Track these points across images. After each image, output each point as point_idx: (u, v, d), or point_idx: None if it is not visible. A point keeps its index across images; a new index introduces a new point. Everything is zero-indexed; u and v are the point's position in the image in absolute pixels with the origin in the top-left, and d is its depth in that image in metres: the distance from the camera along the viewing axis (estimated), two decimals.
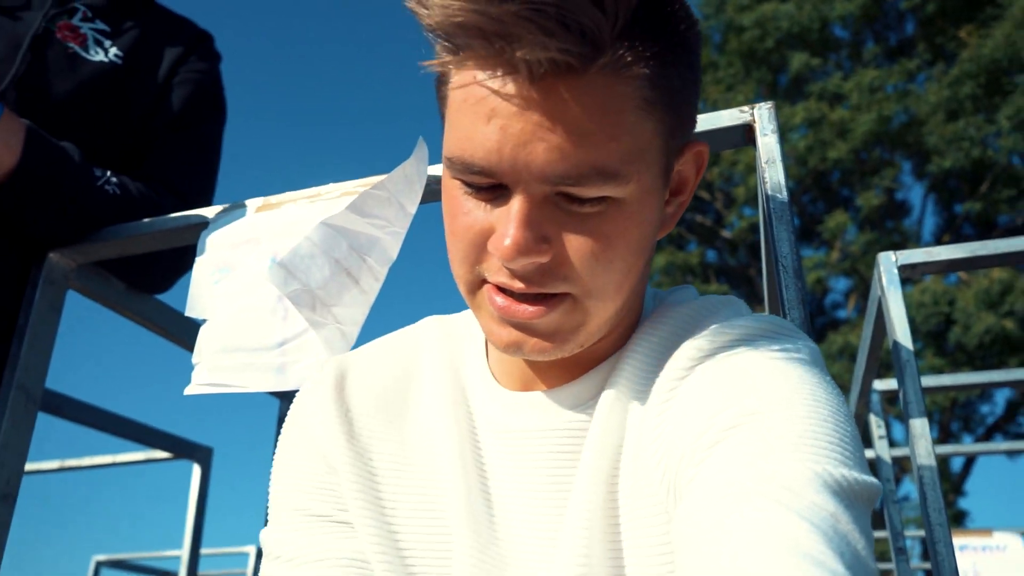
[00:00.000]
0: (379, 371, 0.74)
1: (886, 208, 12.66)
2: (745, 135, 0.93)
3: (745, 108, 0.93)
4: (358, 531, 0.66)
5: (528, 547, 0.63)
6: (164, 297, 1.36)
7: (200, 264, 1.08)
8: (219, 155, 1.39)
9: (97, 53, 1.26)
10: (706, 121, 0.94)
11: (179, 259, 1.28)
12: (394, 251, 0.99)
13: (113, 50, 1.28)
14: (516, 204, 0.57)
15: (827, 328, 13.46)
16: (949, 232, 13.26)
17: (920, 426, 1.18)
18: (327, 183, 1.11)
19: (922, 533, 3.63)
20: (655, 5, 0.56)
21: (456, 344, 0.75)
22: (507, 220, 0.57)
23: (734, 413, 0.53)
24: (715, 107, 12.69)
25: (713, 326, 0.63)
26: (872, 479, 0.50)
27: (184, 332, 1.37)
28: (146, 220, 1.16)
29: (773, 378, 0.55)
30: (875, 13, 12.76)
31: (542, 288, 0.58)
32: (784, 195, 0.89)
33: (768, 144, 0.91)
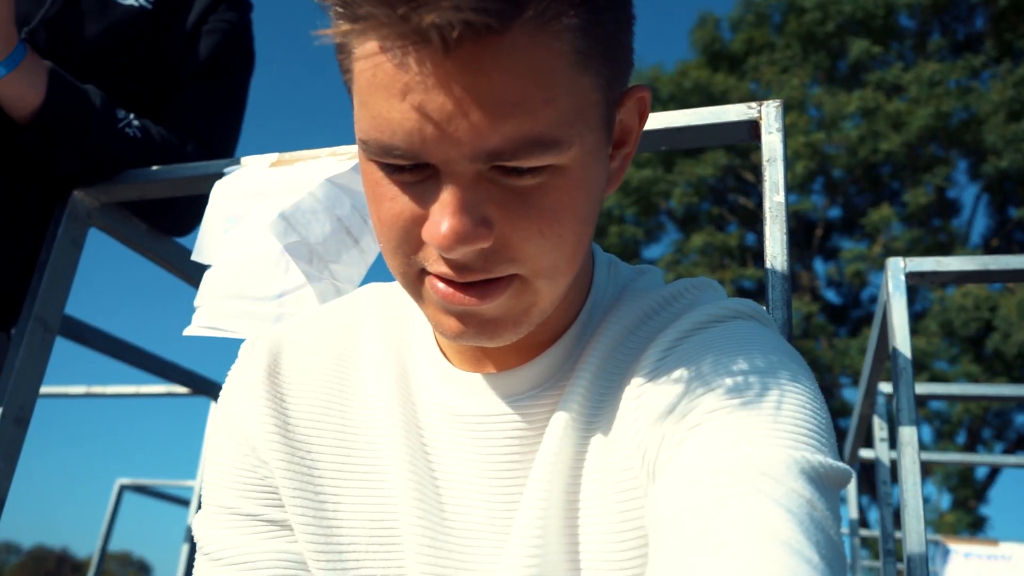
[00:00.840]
0: (316, 349, 0.70)
1: (935, 206, 12.38)
2: (751, 131, 0.93)
3: (753, 104, 0.93)
4: (295, 528, 0.62)
5: (482, 539, 0.60)
6: (184, 240, 1.40)
7: (211, 212, 1.11)
8: (244, 105, 1.41)
9: None
10: (713, 115, 0.94)
11: (198, 205, 1.31)
12: None
13: None
14: (448, 188, 0.51)
15: (863, 322, 13.28)
16: (999, 236, 12.95)
17: (909, 434, 1.19)
18: (346, 144, 1.13)
19: (935, 536, 3.62)
20: None
21: (400, 316, 0.70)
22: (441, 206, 0.51)
23: (714, 397, 0.53)
24: (768, 88, 12.53)
25: (691, 309, 0.62)
26: (843, 465, 0.51)
27: (198, 273, 1.41)
28: (166, 166, 1.19)
29: (752, 363, 0.55)
30: (944, 4, 12.37)
31: (488, 274, 0.53)
32: (781, 195, 0.89)
33: (772, 142, 0.91)
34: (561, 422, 0.59)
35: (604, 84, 0.53)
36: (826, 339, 12.40)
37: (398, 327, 0.69)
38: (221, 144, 1.34)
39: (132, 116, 1.23)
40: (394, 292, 0.73)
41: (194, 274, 1.41)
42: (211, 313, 1.04)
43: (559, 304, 0.62)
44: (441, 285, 0.54)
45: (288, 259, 0.99)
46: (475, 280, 0.54)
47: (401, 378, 0.66)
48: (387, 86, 0.48)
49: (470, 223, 0.50)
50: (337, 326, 0.71)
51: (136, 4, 1.28)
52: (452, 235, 0.50)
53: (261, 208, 1.04)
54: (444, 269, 0.53)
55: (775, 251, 0.88)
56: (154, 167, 1.21)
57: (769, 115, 0.92)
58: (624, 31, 0.54)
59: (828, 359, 11.74)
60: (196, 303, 1.06)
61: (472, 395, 0.63)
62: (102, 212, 1.26)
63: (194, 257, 1.09)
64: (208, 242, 1.08)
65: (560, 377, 0.63)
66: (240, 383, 0.68)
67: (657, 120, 0.96)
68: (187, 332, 1.05)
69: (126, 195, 1.23)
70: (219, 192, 1.11)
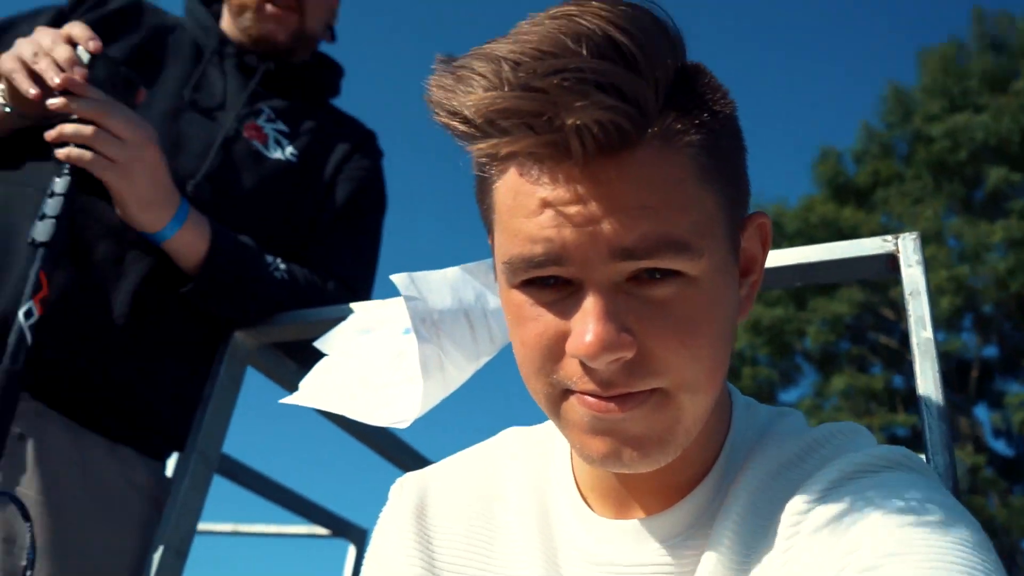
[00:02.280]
0: (460, 492, 0.72)
1: None
2: (888, 265, 0.92)
3: (888, 237, 0.93)
4: None
5: None
6: None
7: (346, 323, 1.18)
8: (379, 244, 1.51)
9: (276, 151, 1.42)
10: (847, 249, 0.94)
11: None
12: None
13: (290, 149, 1.44)
14: (590, 297, 0.53)
15: None
16: None
17: None
18: None
19: None
20: (692, 75, 0.56)
21: (540, 460, 0.72)
22: (584, 316, 0.53)
23: (871, 553, 0.50)
24: (900, 220, 12.17)
25: (839, 456, 0.60)
26: None
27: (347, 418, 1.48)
28: (314, 309, 1.29)
29: (909, 515, 0.52)
30: None
31: (631, 387, 0.54)
32: (929, 330, 0.87)
33: (912, 275, 0.89)
34: (709, 568, 0.58)
35: (727, 203, 0.56)
36: (998, 496, 11.33)
37: (540, 472, 0.71)
38: (359, 282, 1.43)
39: (279, 260, 1.34)
40: (536, 436, 0.74)
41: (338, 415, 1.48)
42: (312, 387, 1.09)
43: (698, 441, 0.61)
44: (589, 398, 0.55)
45: (403, 360, 1.03)
46: (619, 393, 0.54)
47: (543, 525, 0.67)
48: (527, 204, 0.53)
49: (614, 330, 0.52)
50: (480, 469, 0.74)
51: (283, 158, 1.42)
52: (597, 342, 0.52)
53: (392, 325, 1.11)
54: (589, 386, 0.54)
55: (928, 390, 0.84)
56: (302, 310, 1.30)
57: (907, 247, 0.91)
58: (740, 156, 0.59)
59: (1003, 519, 10.66)
60: (302, 382, 1.12)
61: (616, 543, 0.63)
62: (259, 352, 1.35)
63: (316, 344, 1.16)
64: (334, 337, 1.16)
65: (703, 523, 0.61)
66: (389, 523, 0.72)
67: (790, 256, 0.96)
68: (284, 401, 1.11)
69: (279, 336, 1.33)
70: (361, 311, 1.20)
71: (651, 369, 0.54)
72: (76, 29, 1.19)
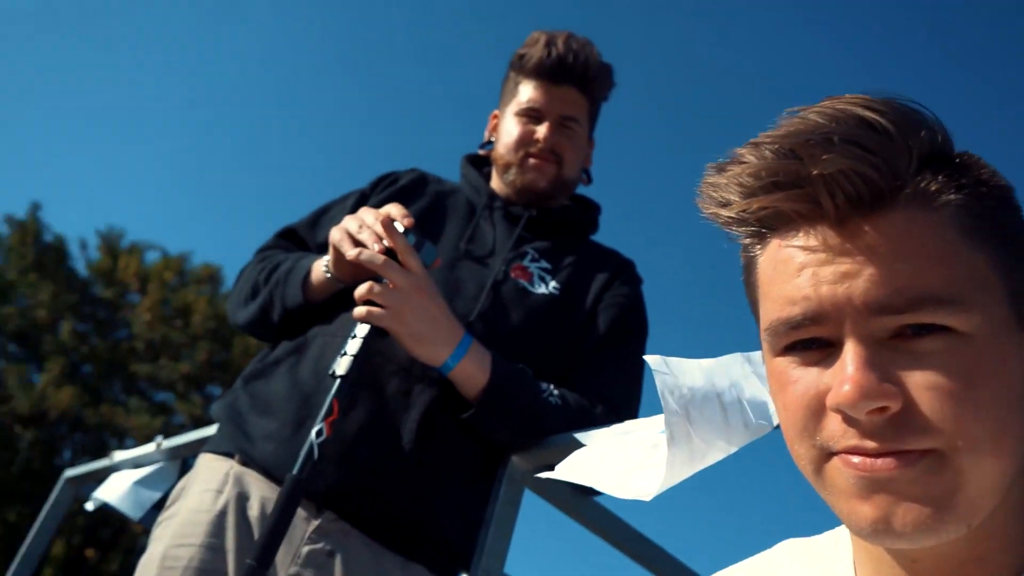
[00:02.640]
0: None
1: None
2: None
3: None
4: None
5: None
6: (605, 501, 1.51)
7: (611, 427, 1.24)
8: (642, 367, 1.55)
9: (540, 287, 1.54)
10: None
11: None
12: (776, 421, 1.00)
13: (553, 284, 1.55)
14: (850, 349, 0.53)
15: None
16: None
17: None
18: None
19: None
20: (953, 152, 0.57)
21: (821, 570, 0.68)
22: (842, 365, 0.53)
23: None
24: None
25: None
26: None
27: (624, 538, 1.49)
28: (585, 432, 1.34)
29: None
30: None
31: (899, 444, 0.52)
32: None
33: None
34: None
35: (1003, 265, 0.55)
36: None
37: None
38: (625, 405, 1.48)
39: (552, 387, 1.42)
40: (816, 547, 0.71)
41: (615, 536, 1.50)
42: (569, 465, 1.14)
43: (1001, 532, 0.55)
44: (853, 458, 0.53)
45: (657, 450, 1.03)
46: (887, 451, 0.52)
47: None
48: (786, 270, 0.56)
49: (875, 378, 0.52)
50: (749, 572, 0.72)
51: (547, 292, 1.53)
52: (856, 388, 0.51)
53: (652, 428, 1.13)
54: (853, 442, 0.53)
55: None
56: (574, 433, 1.36)
57: None
58: (1014, 218, 0.57)
59: None
60: (559, 465, 1.17)
61: None
62: (534, 474, 1.43)
63: (575, 435, 1.22)
64: (598, 436, 1.22)
65: None
66: None
67: None
68: (539, 476, 1.17)
69: (553, 458, 1.39)
70: (623, 424, 1.24)
71: (920, 425, 0.52)
72: (394, 209, 1.41)
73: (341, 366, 1.27)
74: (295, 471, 1.19)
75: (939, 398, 0.51)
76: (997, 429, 0.52)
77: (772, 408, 1.02)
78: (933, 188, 0.54)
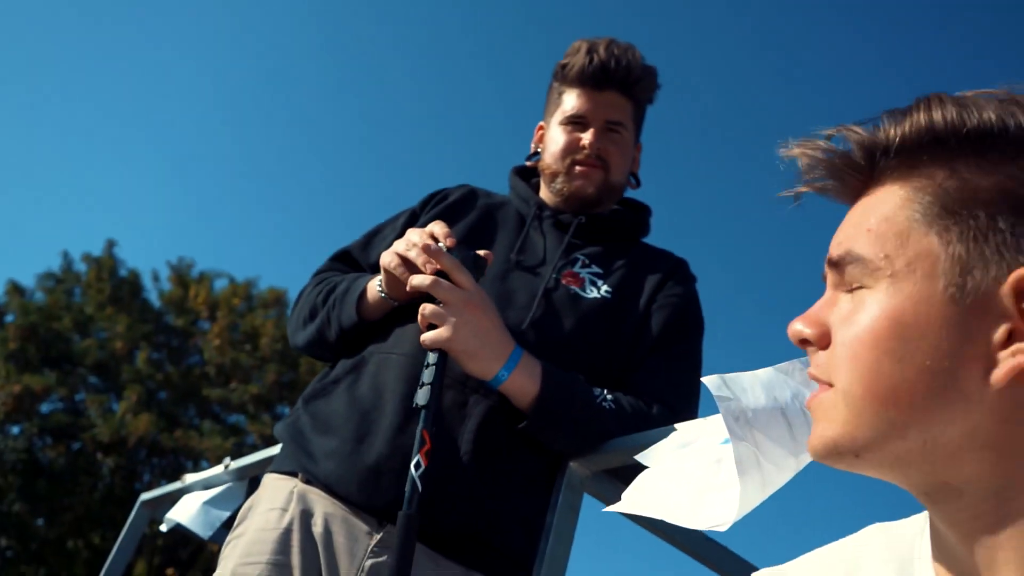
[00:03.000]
0: None
1: None
2: None
3: None
4: None
5: None
6: None
7: (667, 439, 1.22)
8: (700, 366, 1.54)
9: (592, 291, 1.53)
10: None
11: None
12: None
13: (604, 287, 1.54)
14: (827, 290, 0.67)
15: None
16: None
17: None
18: None
19: None
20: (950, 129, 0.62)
21: (904, 552, 0.68)
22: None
23: None
24: None
25: None
26: None
27: (684, 538, 1.47)
28: (640, 433, 1.33)
29: None
30: None
31: (816, 374, 0.65)
32: None
33: None
34: None
35: (957, 251, 0.59)
36: None
37: (904, 563, 0.68)
38: (683, 405, 1.46)
39: (605, 391, 1.41)
40: (899, 530, 0.71)
41: (678, 537, 1.48)
42: (635, 495, 1.12)
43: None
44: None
45: (721, 466, 1.01)
46: (814, 378, 0.66)
47: None
48: None
49: (810, 316, 0.66)
50: (839, 565, 0.72)
51: (599, 296, 1.53)
52: (795, 320, 0.68)
53: (712, 437, 1.11)
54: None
55: None
56: (632, 436, 1.35)
57: None
58: (992, 224, 0.59)
59: None
60: (625, 492, 1.15)
61: None
62: (593, 479, 1.42)
63: (637, 456, 1.20)
64: (656, 451, 1.20)
65: None
66: None
67: None
68: (607, 509, 1.15)
69: (611, 462, 1.38)
70: (681, 428, 1.23)
71: (830, 364, 0.63)
72: (437, 228, 1.43)
73: (421, 396, 1.29)
74: (405, 508, 1.22)
75: (847, 345, 0.62)
76: (869, 379, 0.60)
77: None
78: (905, 169, 0.63)
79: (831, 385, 0.64)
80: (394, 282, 1.43)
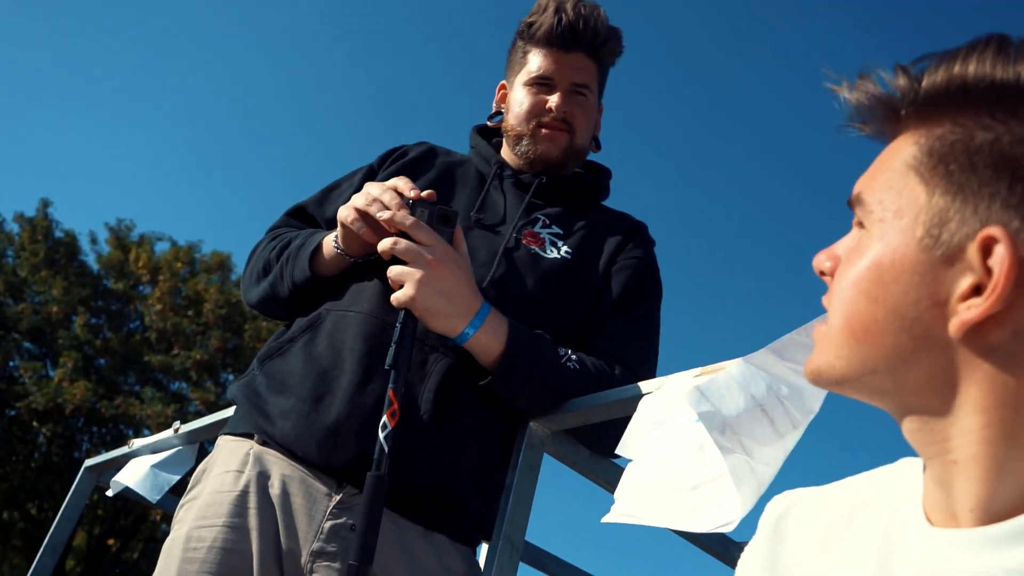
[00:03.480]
0: (826, 507, 0.76)
1: None
2: None
3: None
4: None
5: None
6: (625, 463, 1.51)
7: (638, 415, 1.20)
8: (658, 328, 1.55)
9: (552, 252, 1.53)
10: None
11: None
12: (816, 403, 1.00)
13: (564, 248, 1.54)
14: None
15: None
16: None
17: None
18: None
19: None
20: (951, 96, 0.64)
21: (911, 488, 0.71)
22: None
23: None
24: None
25: None
26: None
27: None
28: (602, 392, 1.34)
29: None
30: None
31: (824, 303, 0.70)
32: None
33: None
34: None
35: (938, 203, 0.62)
36: None
37: (912, 493, 0.70)
38: (643, 365, 1.47)
39: (570, 351, 1.41)
40: (919, 468, 0.73)
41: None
42: (628, 502, 1.10)
43: (998, 453, 0.59)
44: None
45: (706, 452, 1.02)
46: (825, 305, 0.70)
47: (888, 536, 0.69)
48: None
49: (829, 249, 0.71)
50: (858, 489, 0.76)
51: (559, 256, 1.52)
52: (816, 258, 0.72)
53: (683, 413, 1.11)
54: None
55: None
56: (591, 395, 1.36)
57: None
58: (974, 178, 0.60)
59: None
60: (616, 495, 1.14)
61: (936, 549, 0.63)
62: (553, 439, 1.43)
63: (617, 451, 1.18)
64: (633, 440, 1.18)
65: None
66: (753, 538, 0.80)
67: None
68: (605, 519, 1.13)
69: (571, 422, 1.39)
70: (647, 402, 1.21)
71: (831, 292, 0.68)
72: (400, 182, 1.40)
73: (389, 357, 1.28)
74: (373, 469, 1.21)
75: (841, 277, 0.66)
76: (849, 312, 0.64)
77: (809, 394, 1.02)
78: (915, 125, 0.65)
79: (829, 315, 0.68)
80: (351, 237, 1.41)
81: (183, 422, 2.24)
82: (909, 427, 0.65)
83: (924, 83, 0.63)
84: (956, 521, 0.62)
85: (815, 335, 0.70)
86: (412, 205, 1.36)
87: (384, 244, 1.35)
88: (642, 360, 1.49)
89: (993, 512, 0.60)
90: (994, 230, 0.58)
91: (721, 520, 1.00)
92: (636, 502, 1.11)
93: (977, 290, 0.59)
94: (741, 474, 0.98)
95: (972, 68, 0.61)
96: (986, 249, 0.58)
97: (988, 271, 0.58)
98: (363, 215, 1.37)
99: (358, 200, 1.39)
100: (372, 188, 1.40)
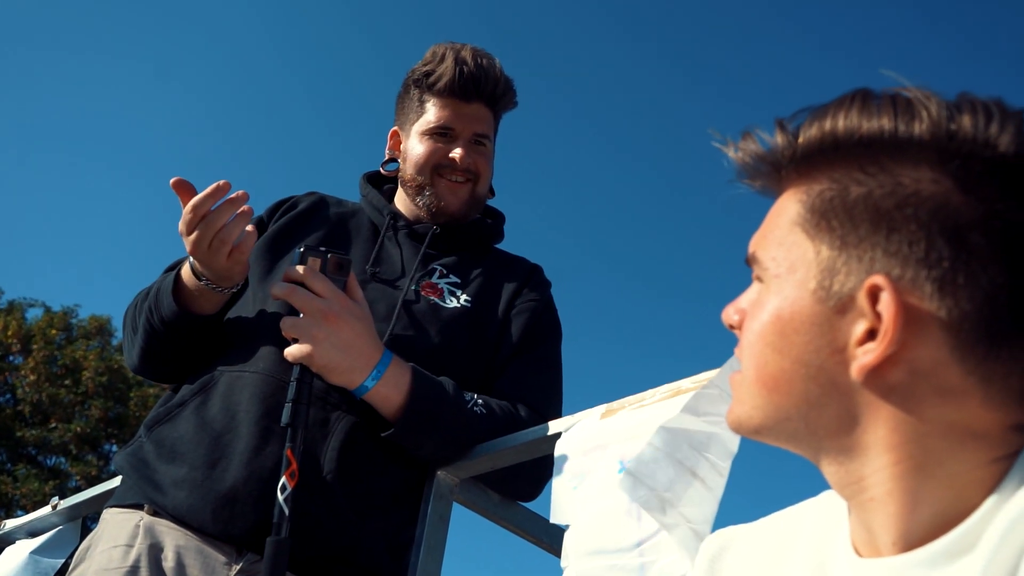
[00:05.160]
0: (758, 543, 0.78)
1: None
2: None
3: None
4: None
5: None
6: (533, 506, 1.50)
7: (558, 472, 1.20)
8: (560, 368, 1.57)
9: (452, 301, 1.52)
10: None
11: (541, 468, 1.41)
12: (734, 445, 1.03)
13: (463, 296, 1.54)
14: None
15: None
16: None
17: None
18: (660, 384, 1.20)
19: None
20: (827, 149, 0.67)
21: (839, 517, 0.74)
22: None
23: None
24: None
25: None
26: None
27: (551, 538, 1.47)
28: (509, 436, 1.32)
29: None
30: None
31: (737, 354, 0.72)
32: None
33: None
34: None
35: (825, 256, 0.64)
36: None
37: (840, 522, 0.72)
38: (548, 405, 1.48)
39: (476, 396, 1.40)
40: (838, 499, 0.74)
41: (546, 539, 1.48)
42: (578, 572, 1.10)
43: (920, 485, 0.61)
44: None
45: (638, 508, 1.03)
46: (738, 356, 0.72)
47: (817, 566, 0.72)
48: None
49: (735, 303, 0.74)
50: (788, 523, 0.79)
51: (459, 305, 1.52)
52: (724, 312, 0.75)
53: (602, 460, 1.12)
54: None
55: None
56: (499, 439, 1.35)
57: None
58: (854, 232, 0.63)
59: None
60: (562, 564, 1.13)
61: None
62: (462, 487, 1.40)
63: (552, 519, 1.18)
64: (561, 503, 1.18)
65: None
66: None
67: None
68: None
69: (480, 468, 1.37)
70: (561, 451, 1.21)
71: (741, 345, 0.71)
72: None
73: (285, 415, 1.25)
74: (274, 534, 1.18)
75: (748, 331, 0.69)
76: (756, 362, 0.67)
77: (726, 438, 1.05)
78: (801, 181, 0.68)
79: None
80: (207, 253, 1.32)
81: (62, 498, 2.09)
82: (828, 470, 0.67)
83: (800, 140, 0.67)
84: (880, 553, 0.65)
85: (732, 383, 0.73)
86: (304, 252, 1.33)
87: (279, 289, 1.31)
88: (547, 400, 1.49)
89: (912, 543, 0.62)
90: (878, 279, 0.61)
91: (672, 574, 1.03)
92: (585, 571, 1.10)
93: (872, 334, 0.62)
94: (688, 542, 1.00)
95: (841, 123, 0.65)
96: (874, 296, 0.61)
97: (878, 316, 0.61)
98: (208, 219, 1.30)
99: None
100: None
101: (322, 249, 1.35)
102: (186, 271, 1.40)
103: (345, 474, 1.33)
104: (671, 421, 1.06)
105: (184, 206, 1.32)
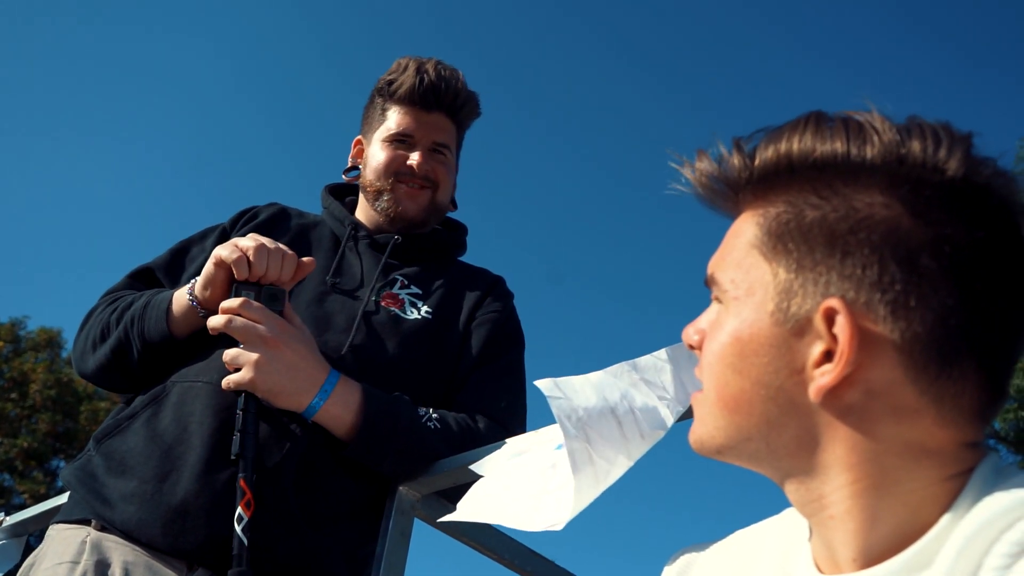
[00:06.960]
0: (723, 561, 0.79)
1: None
2: None
3: None
4: None
5: None
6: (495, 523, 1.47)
7: (500, 450, 1.22)
8: (523, 380, 1.55)
9: (413, 312, 1.51)
10: None
11: None
12: (669, 421, 1.03)
13: (424, 308, 1.52)
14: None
15: None
16: None
17: None
18: None
19: None
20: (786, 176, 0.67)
21: (800, 534, 0.74)
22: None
23: None
24: None
25: None
26: None
27: (517, 557, 1.45)
28: (470, 452, 1.30)
29: None
30: None
31: (697, 374, 0.72)
32: None
33: None
34: None
35: (782, 279, 0.65)
36: None
37: (801, 539, 0.73)
38: (510, 415, 1.46)
39: (431, 411, 1.38)
40: (799, 517, 0.75)
41: (507, 555, 1.46)
42: (471, 504, 1.13)
43: (874, 502, 0.62)
44: None
45: (556, 470, 1.04)
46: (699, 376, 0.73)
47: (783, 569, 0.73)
48: None
49: (695, 323, 0.73)
50: (752, 540, 0.79)
51: (419, 316, 1.50)
52: (684, 331, 0.75)
53: (547, 445, 1.13)
54: None
55: None
56: (459, 455, 1.32)
57: None
58: (810, 256, 0.64)
59: None
60: (459, 504, 1.15)
61: None
62: (424, 503, 1.37)
63: (471, 466, 1.21)
64: (491, 462, 1.21)
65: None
66: None
67: None
68: (442, 519, 1.18)
69: (441, 484, 1.34)
70: (511, 442, 1.24)
71: (702, 367, 0.71)
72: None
73: (235, 445, 1.23)
74: (235, 566, 1.17)
75: (708, 351, 0.69)
76: (716, 382, 0.68)
77: (663, 412, 1.04)
78: (760, 202, 0.68)
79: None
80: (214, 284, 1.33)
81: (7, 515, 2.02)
82: (789, 489, 0.68)
83: (756, 163, 0.67)
84: (840, 569, 0.65)
85: (693, 401, 0.73)
86: (237, 287, 1.31)
87: (215, 321, 1.29)
88: (509, 410, 1.48)
89: (871, 559, 0.63)
90: (833, 302, 0.62)
91: (553, 519, 1.02)
92: (477, 505, 1.12)
93: (828, 356, 0.62)
94: (581, 461, 0.98)
95: (796, 146, 0.65)
96: (830, 319, 0.62)
97: (835, 338, 0.62)
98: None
99: (225, 251, 1.32)
100: (242, 242, 1.34)
101: (253, 283, 1.33)
102: (181, 299, 1.39)
103: (302, 489, 1.30)
104: (613, 369, 1.07)
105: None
